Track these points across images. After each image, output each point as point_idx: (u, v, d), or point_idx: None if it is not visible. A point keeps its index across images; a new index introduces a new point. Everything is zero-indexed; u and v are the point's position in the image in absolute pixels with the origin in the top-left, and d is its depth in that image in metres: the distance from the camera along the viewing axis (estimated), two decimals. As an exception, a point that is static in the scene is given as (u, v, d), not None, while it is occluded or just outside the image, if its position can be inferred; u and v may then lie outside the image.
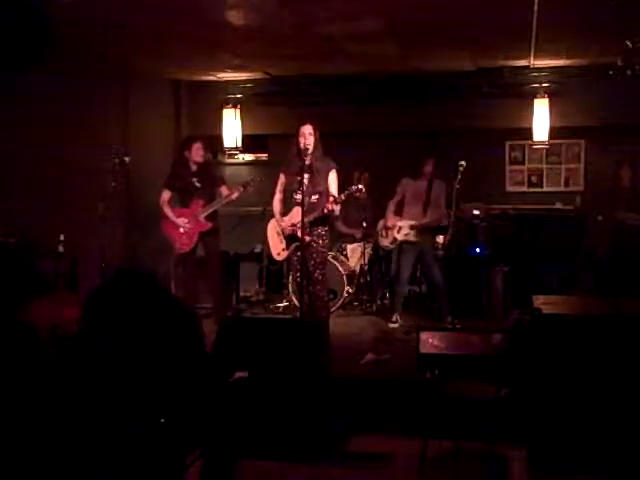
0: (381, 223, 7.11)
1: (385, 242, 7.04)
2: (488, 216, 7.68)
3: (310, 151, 5.30)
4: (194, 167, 6.57)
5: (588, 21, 5.72)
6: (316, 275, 5.39)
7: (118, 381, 1.79)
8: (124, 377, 1.79)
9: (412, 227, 6.71)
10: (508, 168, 8.56)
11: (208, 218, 6.52)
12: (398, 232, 6.79)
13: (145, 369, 1.81)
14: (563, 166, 8.40)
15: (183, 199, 6.62)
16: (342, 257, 7.48)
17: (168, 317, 1.87)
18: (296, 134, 5.36)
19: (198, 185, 6.55)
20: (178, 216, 6.52)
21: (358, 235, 7.54)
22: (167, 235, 6.63)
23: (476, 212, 6.42)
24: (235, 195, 6.51)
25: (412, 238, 6.72)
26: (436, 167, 6.67)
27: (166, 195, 6.60)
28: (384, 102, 8.19)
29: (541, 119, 7.76)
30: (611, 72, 5.78)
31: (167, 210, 6.56)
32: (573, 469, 3.73)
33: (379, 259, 7.65)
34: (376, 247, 7.48)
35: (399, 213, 6.85)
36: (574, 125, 7.91)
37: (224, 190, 6.65)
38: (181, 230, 6.51)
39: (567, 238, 7.10)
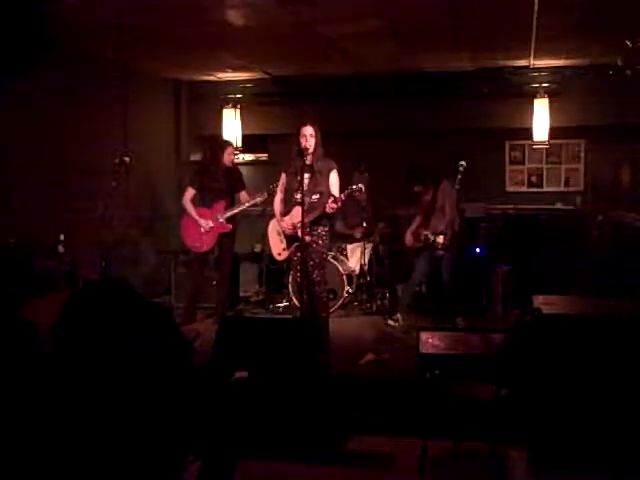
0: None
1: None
2: (488, 216, 7.69)
3: (311, 152, 5.30)
4: (222, 169, 6.62)
5: (588, 21, 5.72)
6: (315, 275, 5.39)
7: (109, 384, 1.79)
8: (113, 382, 1.79)
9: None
10: (508, 168, 8.56)
11: (228, 220, 6.59)
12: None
13: (130, 376, 1.81)
14: (563, 166, 8.40)
15: (206, 199, 6.66)
16: (342, 257, 7.47)
17: (144, 325, 1.87)
18: (297, 135, 5.35)
19: (223, 187, 6.62)
20: (200, 216, 6.56)
21: (358, 235, 7.54)
22: (184, 234, 6.67)
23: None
24: (259, 200, 6.58)
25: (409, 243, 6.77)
26: (428, 182, 6.67)
27: (190, 193, 6.65)
28: (384, 102, 8.19)
29: (541, 119, 7.76)
30: (611, 72, 5.78)
31: (190, 208, 6.61)
32: (573, 469, 3.73)
33: (380, 259, 7.65)
34: (383, 248, 7.50)
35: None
36: (574, 125, 7.91)
37: (243, 195, 6.73)
38: (202, 230, 6.55)
39: (567, 238, 7.11)
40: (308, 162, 5.32)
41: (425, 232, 6.65)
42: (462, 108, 7.97)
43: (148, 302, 1.94)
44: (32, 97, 6.04)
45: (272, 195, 6.10)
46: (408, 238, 6.88)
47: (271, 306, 7.45)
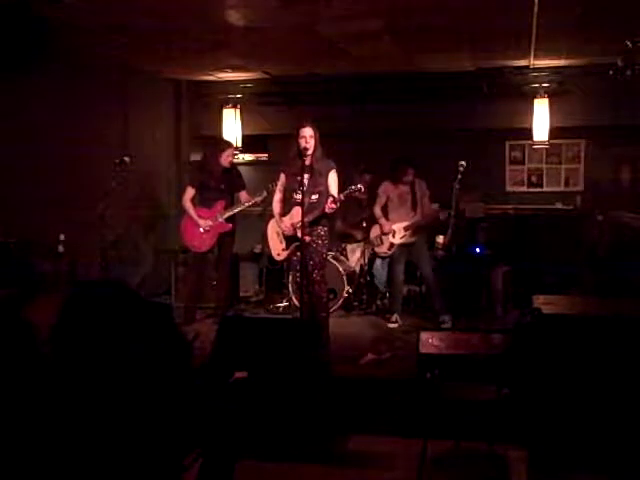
0: (374, 232, 7.03)
1: (383, 249, 6.95)
2: (488, 216, 7.69)
3: (310, 152, 5.30)
4: (221, 170, 6.62)
5: (588, 21, 5.72)
6: (315, 275, 5.39)
7: (108, 384, 1.79)
8: (112, 382, 1.79)
9: (406, 228, 6.71)
10: (508, 168, 8.56)
11: (228, 220, 6.60)
12: (393, 237, 6.78)
13: (130, 376, 1.81)
14: (563, 166, 8.40)
15: (206, 199, 6.66)
16: (342, 257, 7.47)
17: (143, 324, 1.86)
18: (296, 135, 5.35)
19: (222, 187, 6.62)
20: (200, 215, 6.57)
21: (358, 235, 7.54)
22: (184, 233, 6.67)
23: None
24: (258, 200, 6.59)
25: (408, 239, 6.72)
26: (415, 174, 6.70)
27: (190, 194, 6.66)
28: (384, 102, 8.19)
29: (541, 119, 7.76)
30: (611, 72, 5.78)
31: (190, 208, 6.61)
32: (573, 469, 3.73)
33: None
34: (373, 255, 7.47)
35: (386, 218, 6.85)
36: (574, 125, 7.91)
37: (243, 195, 6.73)
38: (201, 230, 6.55)
39: (567, 238, 7.11)
40: (307, 163, 5.32)
41: (399, 225, 6.69)
42: (462, 108, 7.96)
43: (147, 301, 1.94)
44: (32, 97, 6.04)
45: (271, 194, 6.10)
46: (386, 245, 6.89)
47: (271, 306, 7.45)
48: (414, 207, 6.71)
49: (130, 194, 7.39)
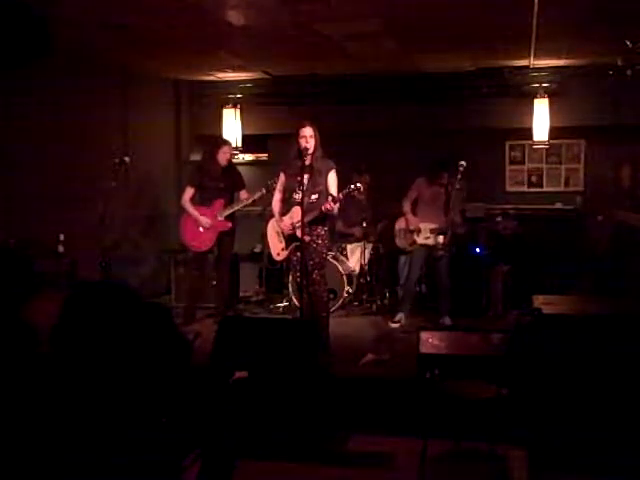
0: (399, 224, 6.92)
1: (403, 243, 6.87)
2: (488, 216, 7.69)
3: (310, 152, 5.30)
4: (220, 168, 6.63)
5: (588, 21, 5.72)
6: (315, 275, 5.39)
7: (108, 385, 1.79)
8: (113, 381, 1.79)
9: (432, 231, 6.64)
10: (508, 168, 8.56)
11: (228, 218, 6.60)
12: (418, 235, 6.71)
13: (130, 375, 1.81)
14: (563, 166, 8.39)
15: (206, 198, 6.67)
16: (342, 257, 7.47)
17: (143, 325, 1.87)
18: (296, 135, 5.36)
19: (222, 186, 6.63)
20: (200, 215, 6.57)
21: (358, 235, 7.54)
22: (184, 233, 6.68)
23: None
24: (257, 196, 6.60)
25: (431, 242, 6.64)
26: (450, 177, 6.65)
27: (189, 193, 6.68)
28: (384, 102, 8.19)
29: (541, 119, 7.75)
30: (611, 72, 5.78)
31: (190, 208, 6.63)
32: (573, 469, 3.73)
33: (380, 259, 7.64)
34: (383, 248, 7.45)
35: (414, 214, 6.76)
36: (574, 125, 7.91)
37: (243, 194, 6.76)
38: (201, 229, 6.56)
39: (567, 238, 7.11)
40: (307, 162, 5.32)
41: (430, 226, 6.63)
42: (462, 108, 7.96)
43: (147, 302, 1.94)
44: (32, 97, 6.04)
45: (270, 191, 6.11)
46: (408, 241, 6.83)
47: (271, 306, 7.45)
48: (445, 210, 6.59)
49: (130, 194, 7.39)
